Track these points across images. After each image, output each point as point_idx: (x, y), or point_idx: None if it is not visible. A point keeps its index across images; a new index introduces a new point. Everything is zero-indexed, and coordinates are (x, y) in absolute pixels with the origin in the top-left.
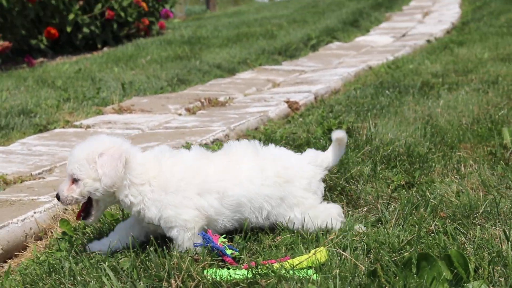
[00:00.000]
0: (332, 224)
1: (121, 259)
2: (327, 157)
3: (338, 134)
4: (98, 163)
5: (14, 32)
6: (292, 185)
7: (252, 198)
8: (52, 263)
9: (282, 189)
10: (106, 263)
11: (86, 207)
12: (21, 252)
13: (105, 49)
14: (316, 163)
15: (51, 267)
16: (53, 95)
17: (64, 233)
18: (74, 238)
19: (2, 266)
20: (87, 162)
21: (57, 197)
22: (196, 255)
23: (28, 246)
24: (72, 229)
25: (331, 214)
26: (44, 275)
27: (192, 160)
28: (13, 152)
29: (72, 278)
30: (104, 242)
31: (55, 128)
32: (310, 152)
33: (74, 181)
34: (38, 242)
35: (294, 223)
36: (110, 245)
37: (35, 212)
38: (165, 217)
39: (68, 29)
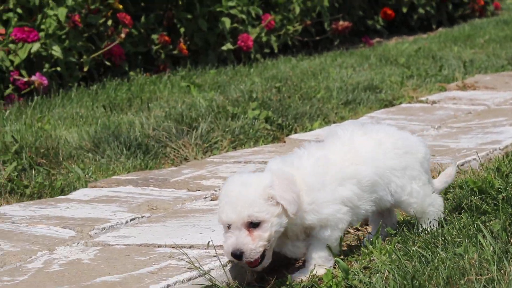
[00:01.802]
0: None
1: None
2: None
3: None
4: (276, 195)
5: (352, 13)
6: (410, 155)
7: (381, 174)
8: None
9: (403, 159)
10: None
11: None
12: None
13: (440, 29)
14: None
15: (422, 226)
16: (396, 72)
17: None
18: None
19: (366, 228)
20: (265, 201)
21: (239, 255)
22: None
23: None
24: None
25: (439, 203)
26: (413, 235)
27: (318, 153)
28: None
29: (442, 238)
30: None
31: (400, 103)
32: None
33: (252, 227)
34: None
35: (413, 197)
36: None
37: None
38: (322, 217)
39: (404, 9)
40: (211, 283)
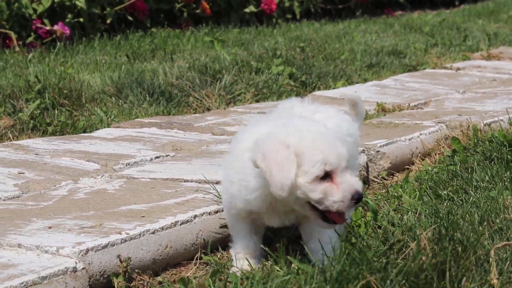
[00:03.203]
0: None
1: None
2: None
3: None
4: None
5: None
6: (356, 143)
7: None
8: (453, 170)
9: (355, 146)
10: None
11: None
12: (409, 166)
13: (463, 5)
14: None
15: (453, 173)
16: (420, 40)
17: (454, 150)
18: (466, 155)
19: (392, 178)
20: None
21: (358, 197)
22: None
23: (414, 163)
24: (462, 147)
25: None
26: (445, 180)
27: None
28: (387, 86)
29: (475, 183)
30: None
31: (424, 68)
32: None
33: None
34: (425, 160)
35: None
36: None
37: (420, 134)
38: None
39: None
40: None
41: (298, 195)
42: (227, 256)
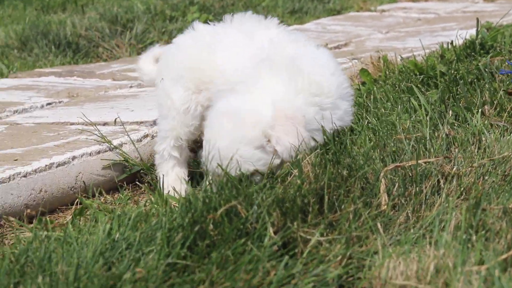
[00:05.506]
0: None
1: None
2: None
3: None
4: (275, 140)
5: None
6: None
7: None
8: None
9: None
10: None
11: None
12: None
13: None
14: None
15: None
16: None
17: (363, 83)
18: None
19: None
20: (261, 150)
21: None
22: (510, 88)
23: None
24: (372, 79)
25: None
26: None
27: None
28: (308, 29)
29: (377, 103)
30: None
31: (349, 12)
32: None
33: None
34: None
35: None
36: None
37: None
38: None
39: None
40: (122, 159)
41: None
42: (111, 200)
